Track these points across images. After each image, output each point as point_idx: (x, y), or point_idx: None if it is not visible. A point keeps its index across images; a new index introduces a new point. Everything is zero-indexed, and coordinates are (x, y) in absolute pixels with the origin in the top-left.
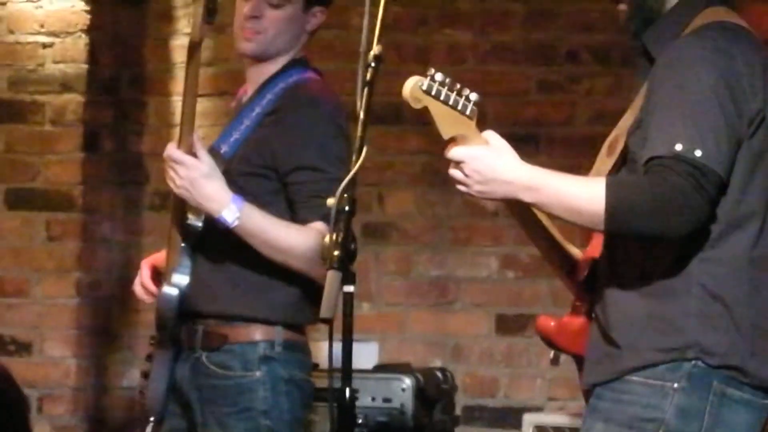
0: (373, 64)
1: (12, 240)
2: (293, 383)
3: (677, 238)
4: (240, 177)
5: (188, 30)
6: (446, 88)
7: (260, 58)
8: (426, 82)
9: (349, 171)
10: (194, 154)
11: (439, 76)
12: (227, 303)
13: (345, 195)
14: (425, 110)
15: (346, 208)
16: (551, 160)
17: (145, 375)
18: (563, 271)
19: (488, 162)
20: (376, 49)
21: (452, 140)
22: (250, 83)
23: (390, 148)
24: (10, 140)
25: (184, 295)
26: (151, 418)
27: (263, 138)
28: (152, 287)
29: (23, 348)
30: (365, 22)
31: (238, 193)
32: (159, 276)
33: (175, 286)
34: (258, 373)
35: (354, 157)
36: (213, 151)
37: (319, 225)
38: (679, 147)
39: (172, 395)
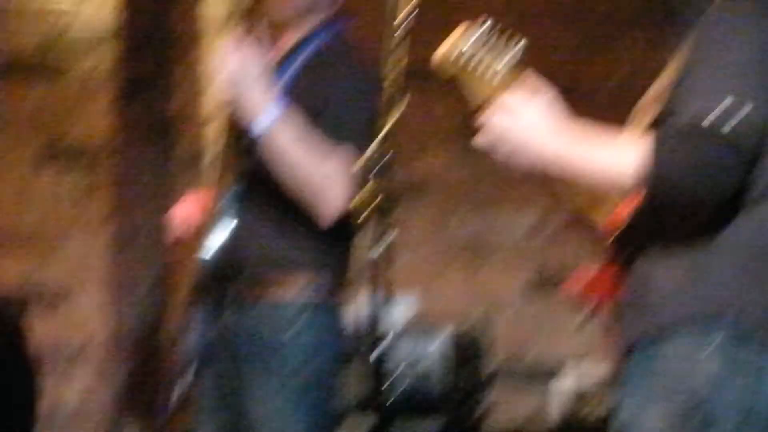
0: (411, 15)
1: (45, 195)
2: (327, 342)
3: (717, 201)
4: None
5: None
6: (480, 52)
7: (292, 23)
8: (456, 50)
9: (376, 122)
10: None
11: (472, 41)
12: (261, 263)
13: (384, 146)
14: (455, 78)
15: (382, 163)
16: (585, 120)
17: (182, 330)
18: (595, 229)
19: (518, 132)
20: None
21: (482, 106)
22: (285, 40)
23: (429, 104)
24: (43, 98)
25: (221, 256)
26: (188, 370)
27: (299, 93)
28: (185, 224)
29: (58, 300)
30: None
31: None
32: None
33: (213, 244)
34: (293, 330)
35: (390, 113)
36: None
37: (342, 159)
38: (717, 108)
39: (209, 349)
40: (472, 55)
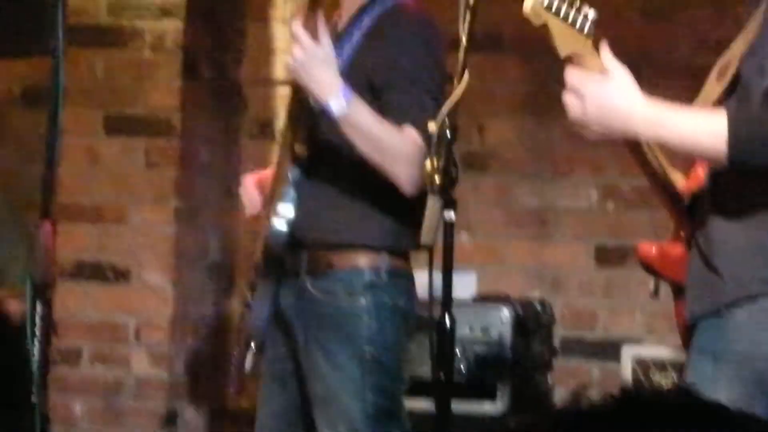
0: None
1: (111, 166)
2: (398, 311)
3: None
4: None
5: None
6: (566, 4)
7: None
8: None
9: (441, 91)
10: (316, 37)
11: None
12: (332, 230)
13: (446, 121)
14: (544, 27)
15: (448, 133)
16: (653, 89)
17: (247, 304)
18: (667, 198)
19: (608, 93)
20: None
21: (569, 59)
22: (345, 10)
23: (490, 77)
24: (109, 66)
25: (291, 225)
26: (252, 345)
27: (362, 63)
28: (257, 198)
29: (121, 275)
30: None
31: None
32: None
33: (282, 217)
34: (363, 300)
35: (456, 83)
36: None
37: (410, 130)
38: None
39: (274, 322)
40: (563, 3)
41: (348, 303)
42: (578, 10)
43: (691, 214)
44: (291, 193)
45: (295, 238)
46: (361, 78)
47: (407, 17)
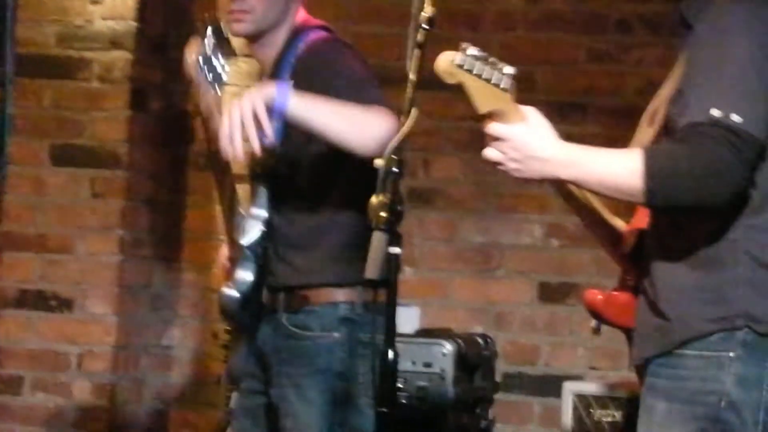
0: (424, 26)
1: (56, 196)
2: (372, 346)
3: (719, 205)
4: (288, 165)
5: None
6: (480, 62)
7: (257, 37)
8: (459, 56)
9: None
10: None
11: (472, 51)
12: (305, 273)
13: (393, 156)
14: (460, 85)
15: (394, 169)
16: (600, 130)
17: (226, 346)
18: (609, 244)
19: (526, 140)
20: (428, 10)
21: (489, 116)
22: (260, 61)
23: (437, 114)
24: (57, 96)
25: (250, 289)
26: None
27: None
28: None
29: (65, 304)
30: None
31: (297, 165)
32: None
33: (238, 282)
34: (336, 334)
35: (402, 119)
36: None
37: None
38: (715, 112)
39: (252, 357)
40: (477, 61)
41: (322, 337)
42: (494, 67)
43: (635, 257)
44: (248, 259)
45: (269, 284)
46: (293, 134)
47: (318, 50)
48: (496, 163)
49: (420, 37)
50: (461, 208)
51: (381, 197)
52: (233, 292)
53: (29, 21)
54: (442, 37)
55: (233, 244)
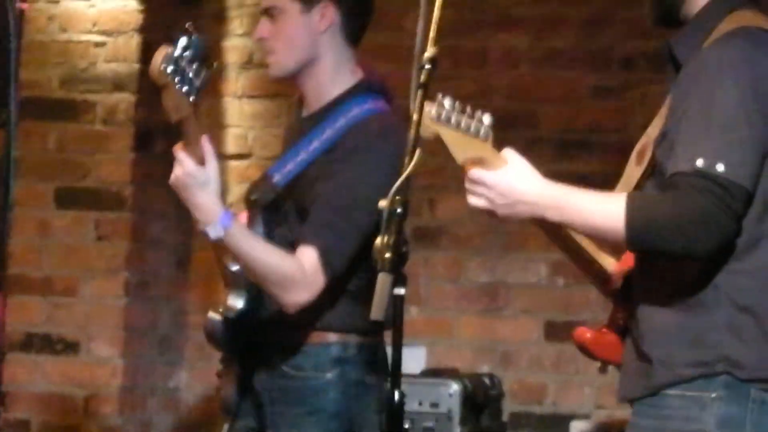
0: (427, 66)
1: (62, 239)
2: (365, 386)
3: (703, 255)
4: (289, 212)
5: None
6: (456, 112)
7: (290, 78)
8: (435, 109)
9: (370, 217)
10: (202, 158)
11: (448, 102)
12: (298, 321)
13: (397, 197)
14: (437, 138)
15: (398, 210)
16: (604, 167)
17: (219, 375)
18: (597, 282)
19: (511, 184)
20: (430, 51)
21: (470, 162)
22: (305, 98)
23: (442, 153)
24: (61, 139)
25: (238, 316)
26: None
27: (314, 178)
28: None
29: (71, 347)
30: (420, 24)
31: (286, 226)
32: None
33: (227, 308)
34: (329, 375)
35: (407, 160)
36: (266, 178)
37: (310, 252)
38: (700, 162)
39: (247, 395)
40: (453, 112)
41: (315, 378)
42: (471, 117)
43: (624, 295)
44: (239, 286)
45: (262, 329)
46: (308, 195)
47: (364, 137)
48: (483, 209)
49: (423, 77)
50: (467, 247)
51: (385, 238)
52: (216, 317)
53: (33, 64)
54: (446, 75)
55: (224, 270)
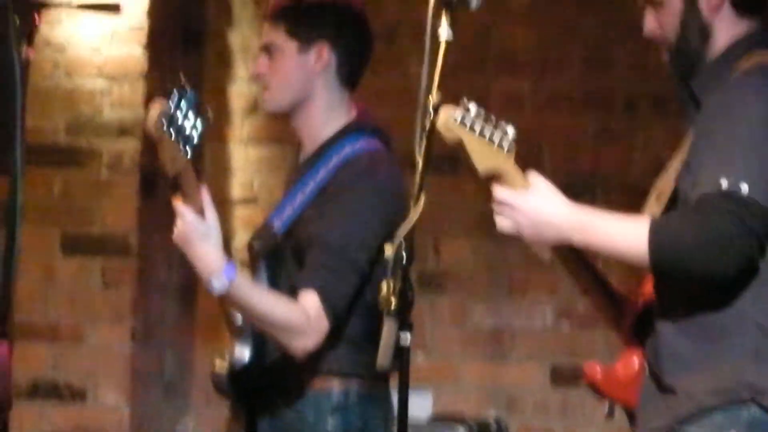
0: (431, 113)
1: (67, 285)
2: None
3: (727, 277)
4: (290, 257)
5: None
6: (481, 119)
7: (283, 114)
8: (459, 112)
9: (368, 254)
10: (202, 210)
11: (474, 108)
12: (300, 366)
13: (402, 243)
14: (459, 144)
15: (404, 255)
16: (607, 209)
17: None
18: (613, 318)
19: (538, 207)
20: (434, 96)
21: (491, 177)
22: (301, 140)
23: (446, 197)
24: (67, 185)
25: (245, 367)
26: None
27: (310, 219)
28: None
29: (77, 394)
30: (424, 68)
31: (288, 272)
32: None
33: (233, 359)
34: (330, 422)
35: (412, 205)
36: (266, 226)
37: (311, 296)
38: (724, 183)
39: None
40: (477, 118)
41: (315, 425)
42: (496, 126)
43: (638, 331)
44: (245, 336)
45: (265, 376)
46: (305, 237)
47: (355, 173)
48: (505, 231)
49: (427, 122)
50: (472, 292)
51: (391, 284)
52: (222, 371)
53: (39, 110)
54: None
55: (229, 320)
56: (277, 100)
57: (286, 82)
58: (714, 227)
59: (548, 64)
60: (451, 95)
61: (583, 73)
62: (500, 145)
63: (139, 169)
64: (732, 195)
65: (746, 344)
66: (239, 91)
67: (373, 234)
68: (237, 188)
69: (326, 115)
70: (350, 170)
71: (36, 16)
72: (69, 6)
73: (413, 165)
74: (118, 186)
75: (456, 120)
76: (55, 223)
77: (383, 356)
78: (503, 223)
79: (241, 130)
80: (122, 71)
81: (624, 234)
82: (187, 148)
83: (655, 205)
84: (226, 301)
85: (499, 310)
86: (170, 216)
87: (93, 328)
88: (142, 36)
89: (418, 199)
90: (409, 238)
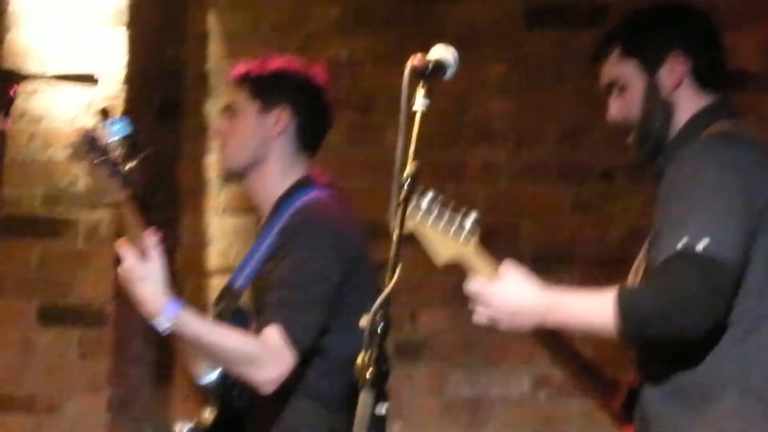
0: (407, 183)
1: (44, 356)
2: None
3: (695, 337)
4: (254, 312)
5: None
6: (438, 208)
7: (239, 174)
8: (413, 204)
9: (326, 289)
10: (145, 252)
11: (429, 196)
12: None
13: (378, 314)
14: (413, 235)
15: (380, 327)
16: (585, 280)
17: None
18: (600, 395)
19: (508, 295)
20: (410, 167)
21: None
22: (256, 203)
23: (422, 267)
24: (43, 256)
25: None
26: None
27: (269, 272)
28: None
29: None
30: (400, 139)
31: (253, 327)
32: None
33: (197, 424)
34: None
35: (388, 276)
36: (228, 287)
37: (272, 331)
38: (684, 240)
39: None
40: (432, 209)
41: None
42: (454, 214)
43: (628, 409)
44: (211, 399)
45: None
46: (263, 292)
47: (306, 220)
48: (481, 321)
49: (403, 193)
50: (449, 361)
51: (367, 355)
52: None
53: (15, 182)
54: (426, 188)
55: (195, 384)
56: (231, 158)
57: (244, 141)
58: (674, 288)
59: (524, 135)
60: (430, 165)
61: (558, 143)
62: (457, 234)
63: (115, 240)
64: (690, 253)
65: (730, 404)
66: (216, 162)
67: (328, 269)
68: (214, 258)
69: (280, 176)
70: (302, 214)
71: (14, 87)
72: (45, 77)
73: (389, 235)
74: (94, 257)
75: (410, 212)
76: (32, 294)
77: (359, 428)
78: (478, 317)
79: (217, 199)
80: None
81: (592, 308)
82: (118, 177)
83: (634, 276)
84: (180, 340)
85: (477, 379)
86: None
87: (70, 398)
88: (118, 106)
89: (394, 270)
90: (385, 308)
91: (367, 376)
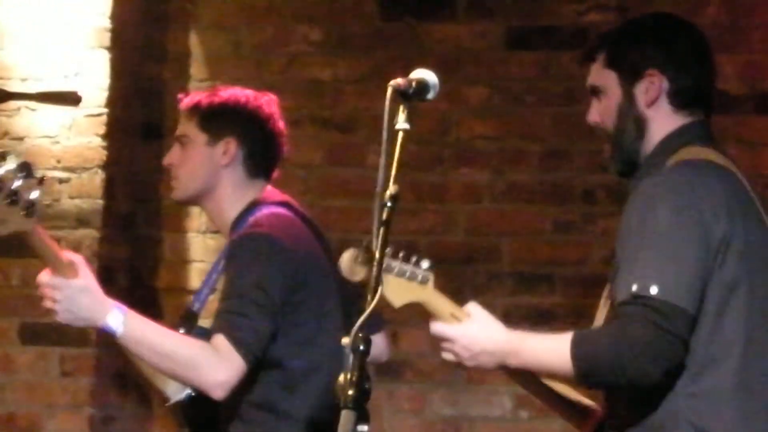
0: (389, 204)
1: (25, 375)
2: None
3: (652, 382)
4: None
5: None
6: (389, 255)
7: (190, 203)
8: (362, 252)
9: (267, 294)
10: (71, 273)
11: (380, 244)
12: None
13: (359, 334)
14: (367, 281)
15: (361, 346)
16: (566, 301)
17: None
18: (575, 422)
19: (472, 337)
20: (392, 188)
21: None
22: (218, 228)
23: None
24: (25, 274)
25: None
26: None
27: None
28: None
29: None
30: (382, 160)
31: None
32: None
33: None
34: None
35: (369, 297)
36: (188, 311)
37: (217, 338)
38: (634, 287)
39: None
40: (385, 258)
41: None
42: (406, 260)
43: None
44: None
45: None
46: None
47: (245, 233)
48: (450, 361)
49: (385, 215)
50: (430, 381)
51: (348, 375)
52: None
53: None
54: (407, 209)
55: (164, 401)
56: (183, 189)
57: (192, 173)
58: (629, 335)
59: (506, 156)
60: (411, 186)
61: (540, 165)
62: (411, 278)
63: (98, 259)
64: (642, 298)
65: None
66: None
67: (266, 276)
68: (196, 278)
69: (233, 201)
70: (245, 230)
71: None
72: (28, 96)
73: (371, 258)
74: None
75: (360, 261)
76: (13, 312)
77: None
78: (445, 355)
79: (199, 220)
80: (81, 162)
81: (551, 351)
82: (19, 206)
83: (603, 308)
84: (128, 342)
85: (458, 398)
86: (129, 305)
87: (51, 417)
88: (100, 126)
89: (375, 290)
90: (366, 328)
91: (348, 395)
